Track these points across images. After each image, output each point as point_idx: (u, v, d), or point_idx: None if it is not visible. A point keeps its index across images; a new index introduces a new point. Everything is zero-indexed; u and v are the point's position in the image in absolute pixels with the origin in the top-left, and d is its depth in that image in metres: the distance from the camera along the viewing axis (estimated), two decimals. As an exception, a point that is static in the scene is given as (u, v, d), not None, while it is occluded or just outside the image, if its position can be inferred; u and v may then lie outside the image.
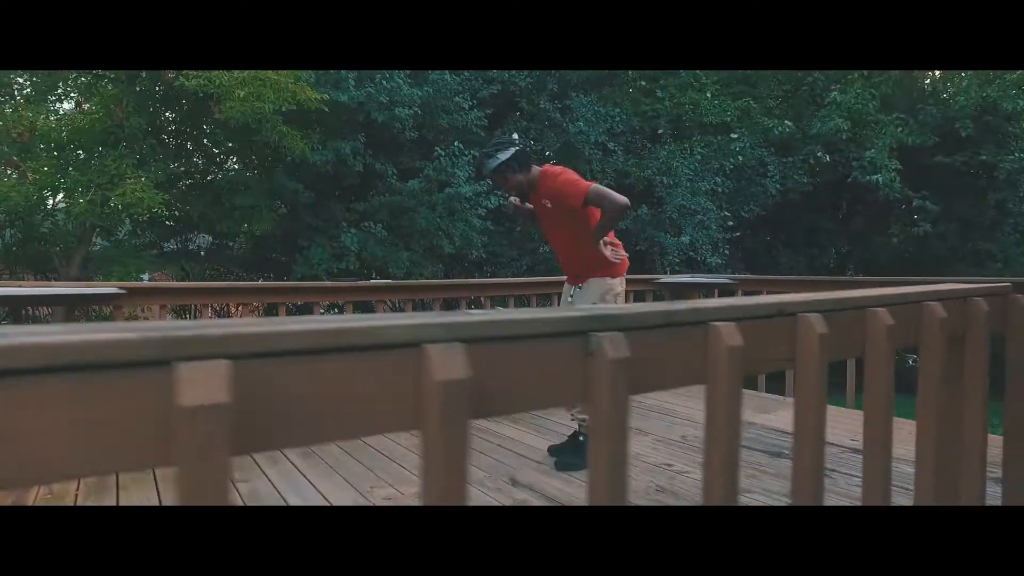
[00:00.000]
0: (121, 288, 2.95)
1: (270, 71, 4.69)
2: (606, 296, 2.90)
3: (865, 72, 8.90)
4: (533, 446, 3.29)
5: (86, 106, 5.42)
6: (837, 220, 10.80)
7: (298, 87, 4.89)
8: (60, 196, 5.57)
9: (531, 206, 2.98)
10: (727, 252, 7.89)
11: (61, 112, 5.90)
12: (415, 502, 2.45)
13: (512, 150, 2.67)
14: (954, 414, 1.37)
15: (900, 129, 8.42)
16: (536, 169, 2.81)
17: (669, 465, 2.94)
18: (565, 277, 3.09)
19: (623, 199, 2.72)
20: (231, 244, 7.52)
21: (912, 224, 9.16)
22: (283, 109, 4.98)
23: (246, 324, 0.55)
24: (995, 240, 9.11)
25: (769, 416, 3.68)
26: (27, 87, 5.58)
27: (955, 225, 9.29)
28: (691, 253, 7.37)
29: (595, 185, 2.69)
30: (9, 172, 5.47)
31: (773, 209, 9.14)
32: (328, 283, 4.12)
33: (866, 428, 1.13)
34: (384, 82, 5.89)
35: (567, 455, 2.95)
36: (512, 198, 2.98)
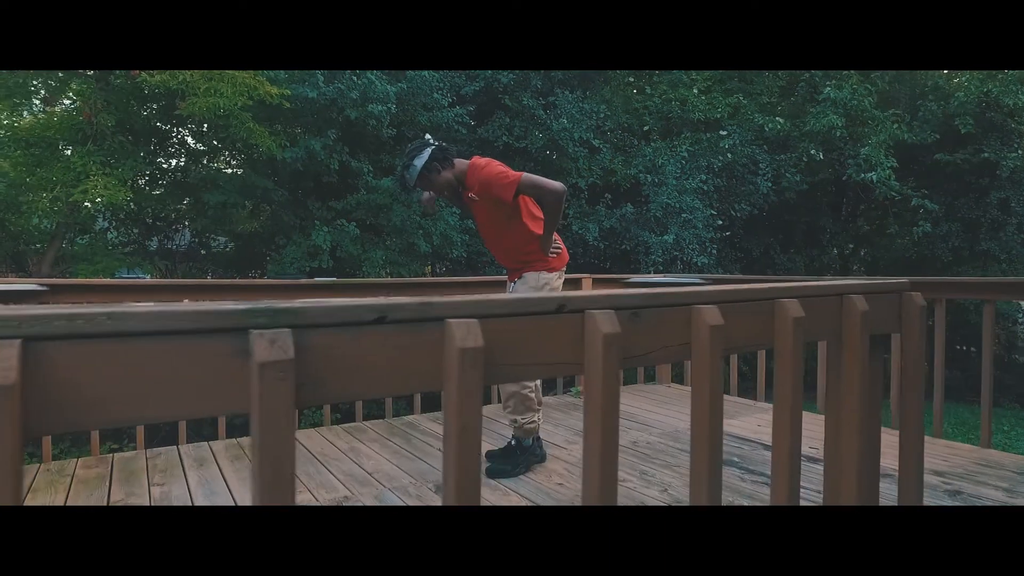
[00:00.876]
0: (42, 284, 2.90)
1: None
2: (542, 291, 2.78)
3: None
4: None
5: (56, 107, 5.39)
6: (839, 220, 10.54)
7: (257, 82, 4.80)
8: (31, 195, 5.54)
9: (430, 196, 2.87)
10: (715, 252, 7.70)
11: (32, 110, 5.88)
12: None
13: (428, 151, 2.55)
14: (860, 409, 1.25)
15: (897, 126, 8.17)
16: (462, 163, 2.69)
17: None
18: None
19: (559, 184, 2.59)
20: (212, 243, 7.48)
21: (912, 224, 8.90)
22: (240, 105, 4.89)
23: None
24: (999, 240, 8.82)
25: (733, 422, 3.53)
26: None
27: (957, 225, 9.00)
28: (676, 252, 7.20)
29: (526, 174, 2.56)
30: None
31: (769, 209, 8.92)
32: (274, 280, 4.04)
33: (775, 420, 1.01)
34: (355, 78, 5.80)
35: (499, 461, 2.83)
36: (425, 194, 2.86)
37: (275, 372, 0.60)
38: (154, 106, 5.90)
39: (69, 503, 2.44)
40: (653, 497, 2.48)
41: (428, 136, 2.67)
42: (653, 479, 2.67)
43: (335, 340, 0.67)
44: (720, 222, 7.85)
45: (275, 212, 6.52)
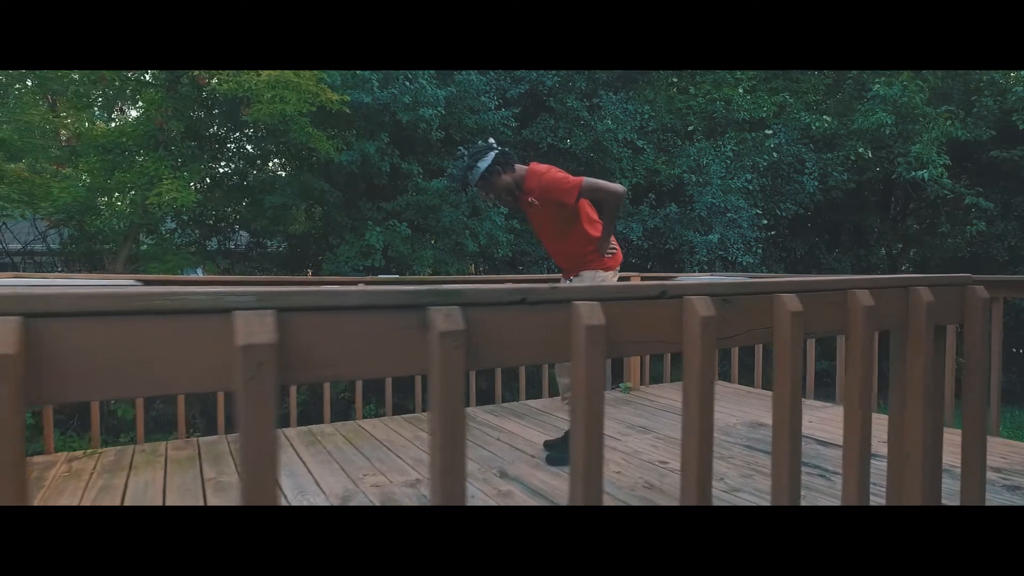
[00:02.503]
0: (138, 280, 3.17)
1: (292, 75, 4.86)
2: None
3: (913, 63, 8.49)
4: (531, 439, 3.32)
5: (132, 112, 5.76)
6: (887, 219, 10.34)
7: (319, 89, 5.04)
8: (106, 197, 5.91)
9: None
10: (760, 251, 7.67)
11: (107, 117, 6.28)
12: (403, 489, 2.51)
13: (491, 154, 2.68)
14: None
15: (950, 123, 8.00)
16: (521, 168, 2.82)
17: (664, 463, 2.91)
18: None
19: (619, 186, 2.72)
20: (268, 242, 7.81)
21: (966, 223, 8.68)
22: (305, 111, 5.14)
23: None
24: (1058, 239, 8.54)
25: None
26: (68, 92, 5.95)
27: (1014, 224, 8.75)
28: (721, 252, 7.20)
29: (587, 178, 2.69)
30: (60, 174, 5.85)
31: (815, 208, 8.83)
32: (336, 278, 4.28)
33: (775, 411, 1.12)
34: (407, 83, 6.00)
35: (558, 450, 2.96)
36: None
37: (451, 340, 0.75)
38: (215, 111, 6.22)
39: (168, 481, 2.67)
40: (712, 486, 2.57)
41: (491, 140, 2.80)
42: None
43: (488, 316, 0.81)
44: (765, 222, 7.82)
45: (328, 213, 6.78)
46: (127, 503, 2.40)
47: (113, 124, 5.88)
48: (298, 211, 6.42)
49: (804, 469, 2.70)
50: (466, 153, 2.73)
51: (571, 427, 0.92)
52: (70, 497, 2.47)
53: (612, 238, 2.90)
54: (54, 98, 6.07)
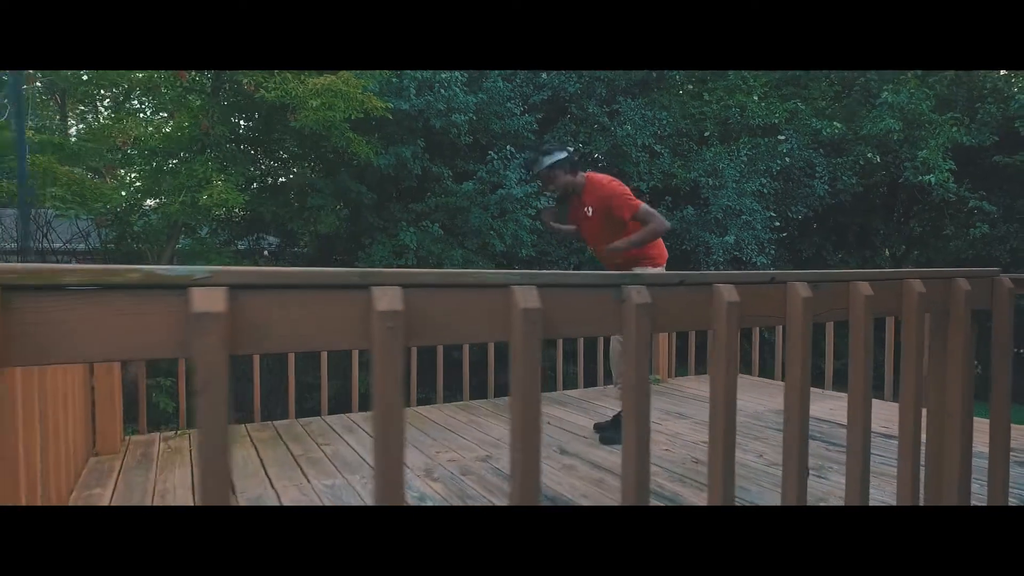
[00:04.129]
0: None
1: (340, 84, 5.14)
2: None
3: (920, 72, 8.81)
4: (579, 423, 3.61)
5: (177, 116, 6.04)
6: (892, 222, 10.65)
7: (365, 97, 5.34)
8: (154, 199, 6.19)
9: (567, 227, 3.28)
10: (773, 252, 7.97)
11: (154, 121, 6.56)
12: (477, 462, 2.82)
13: (564, 153, 3.01)
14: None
15: (956, 129, 8.31)
16: (581, 175, 3.13)
17: (706, 442, 3.21)
18: None
19: (667, 223, 3.05)
20: (299, 243, 8.10)
21: (970, 226, 8.99)
22: (352, 117, 5.44)
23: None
24: (1058, 242, 8.85)
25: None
26: (120, 97, 6.23)
27: (1016, 226, 9.07)
28: (736, 253, 7.51)
29: (646, 205, 3.01)
30: (108, 177, 6.14)
31: (823, 211, 9.13)
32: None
33: (786, 397, 1.39)
34: (443, 91, 6.31)
35: (611, 431, 3.26)
36: (548, 211, 3.30)
37: (532, 317, 1.04)
38: (256, 116, 6.51)
39: (263, 458, 2.95)
40: (751, 461, 2.87)
41: (570, 147, 3.13)
42: (748, 448, 3.06)
43: (656, 294, 1.10)
44: (778, 224, 8.12)
45: (358, 214, 7.08)
46: (236, 477, 2.69)
47: (166, 129, 6.16)
48: (328, 212, 6.71)
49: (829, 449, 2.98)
50: (541, 147, 3.09)
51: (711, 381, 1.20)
52: (182, 470, 2.76)
53: (660, 240, 3.20)
54: (102, 102, 6.34)
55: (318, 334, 0.81)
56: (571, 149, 3.09)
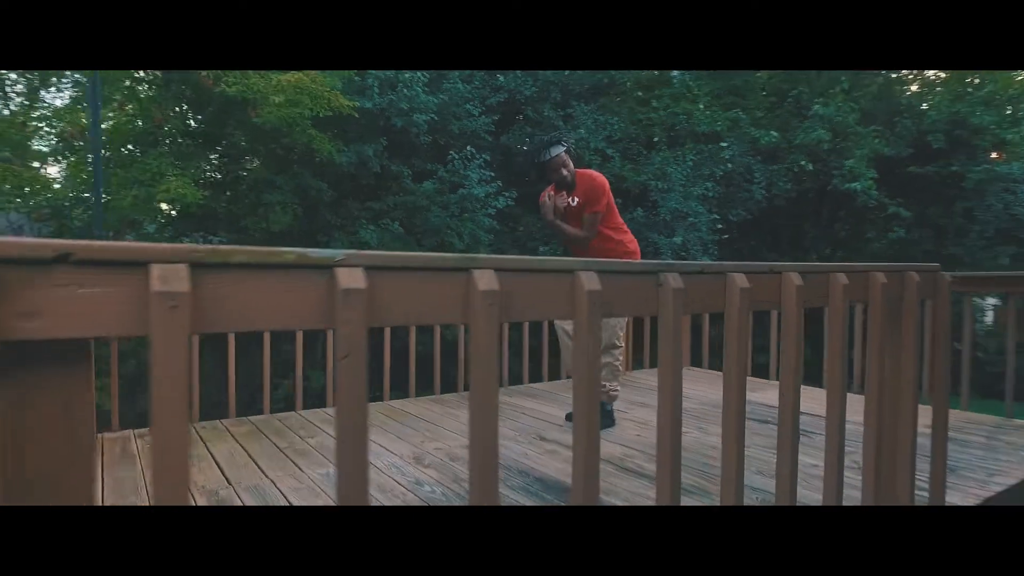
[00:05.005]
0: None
1: (308, 81, 5.14)
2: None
3: (846, 86, 9.51)
4: (553, 414, 3.79)
5: (127, 107, 5.83)
6: (820, 225, 11.43)
7: (332, 95, 5.35)
8: (103, 192, 5.96)
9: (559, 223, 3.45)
10: (716, 253, 8.43)
11: (103, 113, 6.31)
12: (462, 449, 2.95)
13: (563, 147, 3.19)
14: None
15: (878, 140, 9.03)
16: (572, 166, 3.32)
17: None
18: None
19: (582, 238, 3.29)
20: (250, 240, 7.93)
21: (888, 230, 9.78)
22: (321, 115, 5.43)
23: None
24: (963, 245, 9.77)
25: (756, 394, 4.20)
26: (67, 87, 5.97)
27: (928, 231, 9.93)
28: (683, 253, 7.90)
29: (602, 212, 3.22)
30: (50, 168, 5.87)
31: (760, 214, 9.71)
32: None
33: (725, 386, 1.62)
34: (405, 90, 6.37)
35: (585, 418, 3.45)
36: (548, 201, 3.45)
37: (594, 298, 1.21)
38: (215, 110, 6.38)
39: (250, 451, 2.98)
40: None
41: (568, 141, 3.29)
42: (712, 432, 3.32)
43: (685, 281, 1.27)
44: (720, 226, 8.59)
45: (319, 212, 7.03)
46: (227, 468, 2.71)
47: (111, 123, 5.93)
48: (285, 209, 6.64)
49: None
50: (545, 138, 3.24)
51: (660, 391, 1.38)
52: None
53: (630, 234, 3.45)
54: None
55: (430, 310, 0.94)
56: (570, 142, 3.27)
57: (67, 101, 5.46)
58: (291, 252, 0.83)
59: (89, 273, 0.70)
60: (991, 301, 10.06)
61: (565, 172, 3.20)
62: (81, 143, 5.61)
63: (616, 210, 3.39)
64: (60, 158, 5.97)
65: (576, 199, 3.27)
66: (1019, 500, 2.43)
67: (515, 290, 1.02)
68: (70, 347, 0.71)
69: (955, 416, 3.46)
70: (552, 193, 3.43)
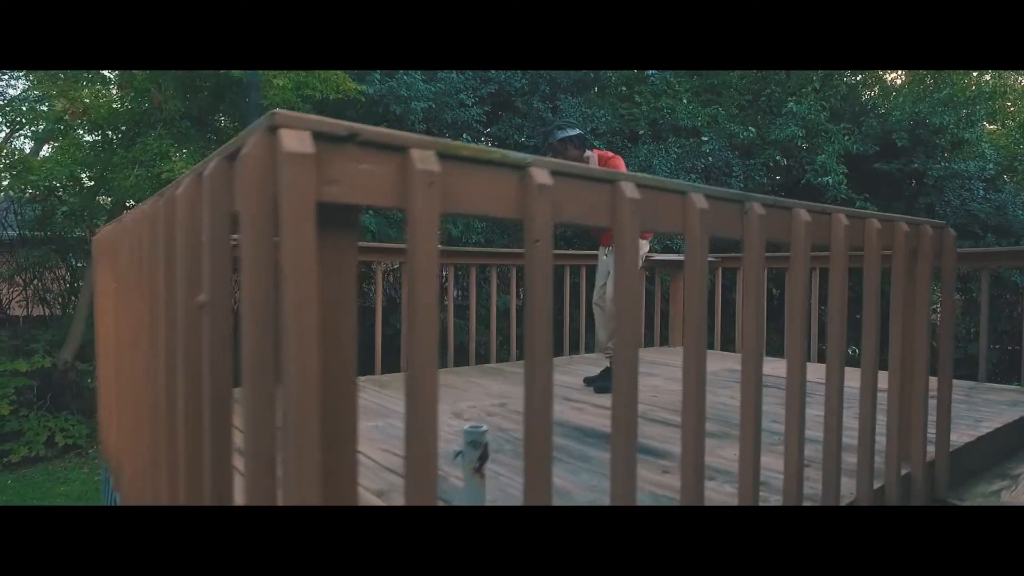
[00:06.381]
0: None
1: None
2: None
3: (817, 86, 9.98)
4: (569, 381, 3.99)
5: (126, 91, 5.80)
6: (789, 220, 11.91)
7: (341, 78, 5.44)
8: (92, 173, 5.91)
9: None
10: (698, 243, 8.76)
11: (102, 95, 6.24)
12: (493, 407, 3.14)
13: (576, 131, 3.38)
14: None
15: (847, 138, 9.50)
16: (588, 154, 3.51)
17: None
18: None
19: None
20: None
21: (855, 223, 10.28)
22: (332, 98, 5.51)
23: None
24: (925, 238, 10.34)
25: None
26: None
27: (891, 225, 10.48)
28: (668, 241, 8.20)
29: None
30: (58, 148, 5.79)
31: (735, 207, 10.09)
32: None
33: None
34: (405, 77, 6.48)
35: (603, 381, 3.66)
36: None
37: (633, 207, 1.41)
38: (213, 93, 6.38)
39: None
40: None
41: (578, 130, 3.47)
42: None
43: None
44: (701, 217, 8.92)
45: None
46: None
47: (113, 103, 5.89)
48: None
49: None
50: (556, 122, 3.43)
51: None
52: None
53: None
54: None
55: (590, 213, 1.12)
56: (580, 130, 3.46)
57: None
58: (496, 151, 1.00)
59: (368, 152, 0.86)
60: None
61: (570, 156, 3.35)
62: (80, 120, 5.56)
63: None
64: (53, 139, 5.89)
65: None
66: (1007, 439, 2.72)
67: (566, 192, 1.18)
68: (350, 213, 0.87)
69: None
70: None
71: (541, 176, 1.02)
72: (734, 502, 1.47)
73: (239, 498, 0.93)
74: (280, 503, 0.78)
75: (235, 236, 0.86)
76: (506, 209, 1.02)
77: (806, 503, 1.68)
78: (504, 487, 1.93)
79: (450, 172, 0.93)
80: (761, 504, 1.53)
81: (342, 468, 0.83)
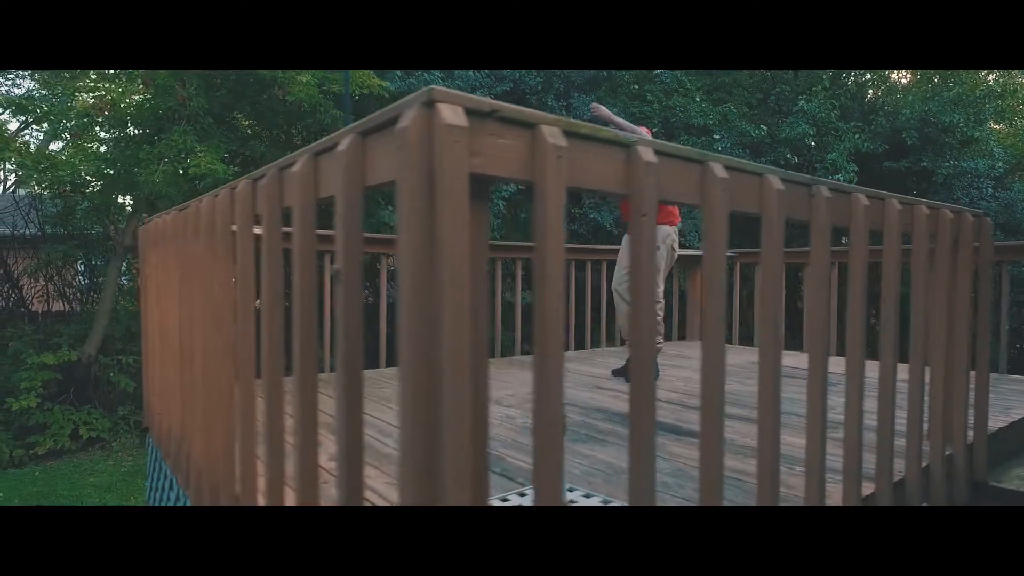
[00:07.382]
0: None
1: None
2: (664, 240, 3.73)
3: (827, 84, 10.04)
4: (597, 372, 4.05)
5: (148, 87, 5.86)
6: (798, 218, 11.98)
7: (365, 76, 5.51)
8: (115, 169, 5.97)
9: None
10: (710, 240, 8.83)
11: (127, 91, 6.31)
12: (529, 397, 3.21)
13: (613, 110, 3.47)
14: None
15: (857, 136, 9.57)
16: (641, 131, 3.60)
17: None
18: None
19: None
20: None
21: (864, 221, 10.34)
22: (356, 95, 5.58)
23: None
24: (934, 236, 10.39)
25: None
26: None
27: (900, 223, 10.54)
28: (682, 239, 8.28)
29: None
30: (73, 144, 5.86)
31: (746, 205, 10.15)
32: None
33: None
34: (424, 75, 6.55)
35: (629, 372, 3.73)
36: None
37: (723, 183, 1.48)
38: (237, 89, 6.45)
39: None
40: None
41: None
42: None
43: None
44: (712, 214, 8.99)
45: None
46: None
47: (137, 97, 5.96)
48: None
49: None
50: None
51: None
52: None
53: (675, 207, 3.74)
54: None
55: (684, 190, 1.19)
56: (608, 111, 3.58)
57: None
58: (606, 130, 1.07)
59: (506, 128, 0.93)
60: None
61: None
62: (107, 114, 5.62)
63: None
64: (73, 135, 5.95)
65: None
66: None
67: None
68: (488, 186, 0.94)
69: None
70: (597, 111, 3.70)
71: (647, 154, 1.09)
72: (803, 483, 1.54)
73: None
74: (434, 503, 0.81)
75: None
76: (616, 184, 1.09)
77: (864, 481, 1.74)
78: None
79: (573, 148, 1.00)
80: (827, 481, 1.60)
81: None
